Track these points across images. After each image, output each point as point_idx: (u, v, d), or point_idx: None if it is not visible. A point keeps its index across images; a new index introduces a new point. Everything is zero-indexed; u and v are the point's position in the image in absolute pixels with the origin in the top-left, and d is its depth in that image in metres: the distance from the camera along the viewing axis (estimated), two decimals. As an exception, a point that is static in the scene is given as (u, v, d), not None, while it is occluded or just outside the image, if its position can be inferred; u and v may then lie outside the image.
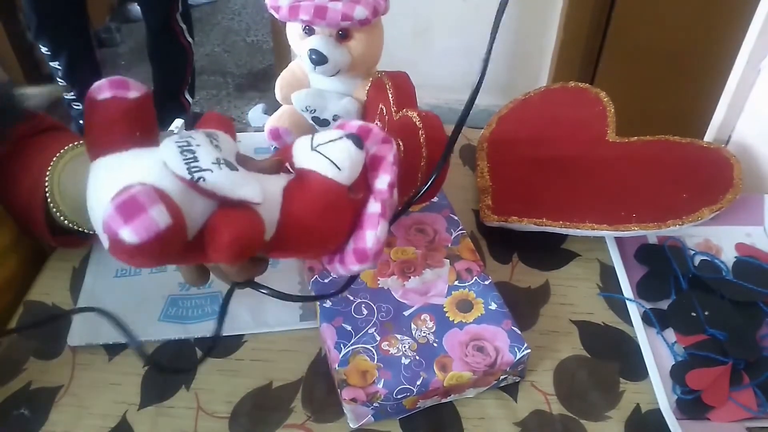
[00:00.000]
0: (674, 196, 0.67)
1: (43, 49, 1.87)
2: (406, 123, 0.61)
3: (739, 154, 0.72)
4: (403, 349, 0.56)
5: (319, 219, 0.40)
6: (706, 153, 0.73)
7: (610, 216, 0.66)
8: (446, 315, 0.59)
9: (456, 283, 0.61)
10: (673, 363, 0.60)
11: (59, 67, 1.89)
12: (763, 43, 0.78)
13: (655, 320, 0.63)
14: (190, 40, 2.02)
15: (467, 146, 0.86)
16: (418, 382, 0.54)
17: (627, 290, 0.66)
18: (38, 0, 1.81)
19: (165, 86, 2.08)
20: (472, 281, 0.61)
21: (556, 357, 0.61)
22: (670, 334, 0.63)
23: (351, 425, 0.56)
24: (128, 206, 0.33)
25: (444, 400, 0.57)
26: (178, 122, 0.80)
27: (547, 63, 2.02)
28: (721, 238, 0.71)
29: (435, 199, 0.69)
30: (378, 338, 0.57)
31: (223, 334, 0.62)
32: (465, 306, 0.59)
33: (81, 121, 1.98)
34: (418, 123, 0.60)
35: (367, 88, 0.71)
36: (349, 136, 0.41)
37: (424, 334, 0.57)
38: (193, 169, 0.35)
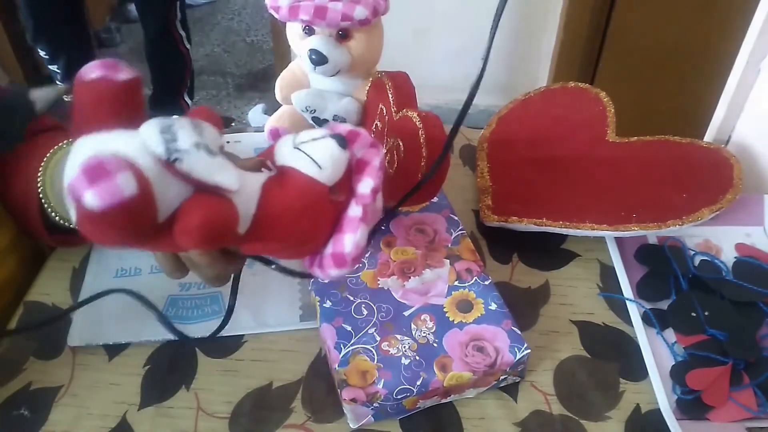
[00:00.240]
0: (674, 196, 0.67)
1: (42, 53, 1.86)
2: (406, 123, 0.61)
3: (739, 154, 0.72)
4: (403, 350, 0.56)
5: (295, 216, 0.39)
6: (706, 153, 0.73)
7: (610, 216, 0.66)
8: (446, 315, 0.59)
9: (456, 283, 0.61)
10: (673, 363, 0.60)
11: (58, 71, 1.88)
12: (763, 43, 0.78)
13: (655, 320, 0.63)
14: (188, 46, 2.01)
15: (467, 146, 0.86)
16: (418, 383, 0.54)
17: (627, 290, 0.66)
18: (35, 3, 1.80)
19: (164, 89, 2.07)
20: (472, 281, 0.61)
21: (556, 357, 0.61)
22: (670, 334, 0.63)
23: (351, 425, 0.56)
24: (95, 170, 0.32)
25: (444, 401, 0.57)
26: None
27: (547, 63, 2.02)
28: (721, 238, 0.71)
29: (435, 200, 0.69)
30: (378, 338, 0.57)
31: (224, 335, 0.62)
32: (465, 306, 0.59)
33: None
34: (418, 123, 0.60)
35: (367, 88, 0.71)
36: (333, 135, 0.40)
37: (424, 335, 0.57)
38: (171, 150, 0.35)
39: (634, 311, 0.64)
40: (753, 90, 0.82)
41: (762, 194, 0.74)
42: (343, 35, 0.67)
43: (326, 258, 0.41)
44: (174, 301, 0.65)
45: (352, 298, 0.60)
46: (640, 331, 0.62)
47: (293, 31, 0.69)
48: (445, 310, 0.59)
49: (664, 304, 0.65)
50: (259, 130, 0.80)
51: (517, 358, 0.55)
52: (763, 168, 0.79)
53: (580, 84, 0.86)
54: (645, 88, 1.82)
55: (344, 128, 0.42)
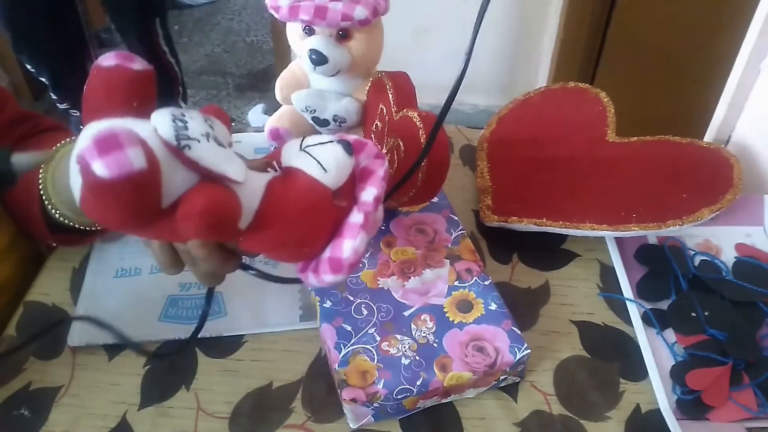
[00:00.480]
0: (674, 196, 0.67)
1: (27, 65, 1.83)
2: (406, 123, 0.61)
3: (739, 154, 0.72)
4: (403, 350, 0.56)
5: (297, 215, 0.39)
6: (706, 153, 0.73)
7: (610, 216, 0.66)
8: (446, 315, 0.59)
9: (456, 283, 0.61)
10: (673, 363, 0.60)
11: (47, 82, 1.86)
12: (763, 43, 0.78)
13: (655, 320, 0.63)
14: (172, 60, 1.96)
15: (467, 146, 0.86)
16: (418, 383, 0.54)
17: (627, 290, 0.66)
18: (11, 12, 1.68)
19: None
20: (472, 281, 0.61)
21: (556, 357, 0.61)
22: (670, 334, 0.63)
23: (351, 425, 0.56)
24: (106, 141, 0.32)
25: (444, 401, 0.57)
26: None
27: (547, 63, 2.02)
28: (721, 239, 0.71)
29: (435, 200, 0.69)
30: (378, 338, 0.57)
31: (224, 335, 0.62)
32: (465, 306, 0.59)
33: (81, 127, 1.97)
34: (418, 123, 0.60)
35: (367, 88, 0.71)
36: (340, 141, 0.41)
37: (424, 335, 0.57)
38: (181, 137, 0.35)
39: (634, 311, 0.64)
40: (753, 90, 0.82)
41: (762, 194, 0.74)
42: (343, 35, 0.67)
43: (323, 263, 0.41)
44: (174, 301, 0.65)
45: (352, 298, 0.60)
46: (640, 331, 0.62)
47: (293, 31, 0.69)
48: (445, 310, 0.59)
49: (664, 304, 0.65)
50: (259, 130, 0.80)
51: (517, 358, 0.55)
52: (763, 168, 0.79)
53: (580, 84, 0.86)
54: (645, 88, 1.82)
55: (352, 137, 0.43)
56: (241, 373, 0.60)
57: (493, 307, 0.59)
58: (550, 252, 0.72)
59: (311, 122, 0.75)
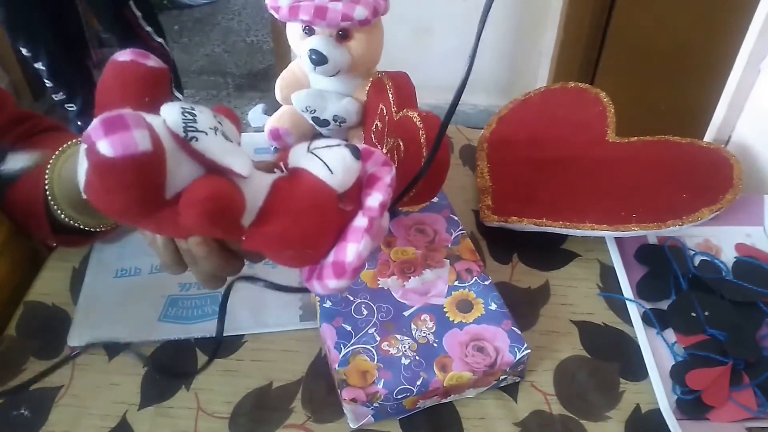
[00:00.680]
0: (674, 196, 0.67)
1: (23, 51, 1.81)
2: (406, 123, 0.61)
3: (739, 154, 0.72)
4: (403, 350, 0.56)
5: (301, 214, 0.39)
6: (706, 153, 0.73)
7: (610, 216, 0.66)
8: (446, 315, 0.59)
9: (456, 283, 0.61)
10: (673, 363, 0.60)
11: (44, 69, 1.84)
12: (763, 43, 0.78)
13: (655, 320, 0.63)
14: (159, 40, 1.91)
15: (467, 146, 0.86)
16: (418, 383, 0.54)
17: (627, 290, 0.66)
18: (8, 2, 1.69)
19: None
20: (472, 281, 0.61)
21: (556, 357, 0.61)
22: (670, 334, 0.63)
23: (351, 425, 0.56)
24: (113, 121, 0.33)
25: (444, 401, 0.57)
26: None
27: (547, 63, 2.02)
28: (721, 239, 0.71)
29: (435, 200, 0.69)
30: (378, 338, 0.57)
31: (224, 335, 0.62)
32: (465, 306, 0.59)
33: (79, 122, 1.95)
34: (418, 123, 0.60)
35: (368, 88, 0.71)
36: (348, 145, 0.41)
37: (424, 335, 0.57)
38: (189, 128, 0.36)
39: (634, 311, 0.64)
40: (753, 90, 0.82)
41: (762, 194, 0.74)
42: (343, 35, 0.67)
43: (326, 268, 0.40)
44: (174, 301, 0.65)
45: (352, 298, 0.60)
46: (640, 331, 0.62)
47: (293, 31, 0.69)
48: (445, 310, 0.59)
49: (664, 304, 0.65)
50: (259, 130, 0.80)
51: (517, 358, 0.55)
52: (763, 168, 0.79)
53: (580, 84, 0.86)
54: (645, 88, 1.82)
55: (360, 145, 0.43)
56: (241, 373, 0.60)
57: (493, 307, 0.59)
58: (550, 252, 0.72)
59: (311, 122, 0.75)
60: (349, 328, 0.58)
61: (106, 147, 0.32)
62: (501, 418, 0.57)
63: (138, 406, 0.57)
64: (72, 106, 1.93)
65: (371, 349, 0.56)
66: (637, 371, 0.60)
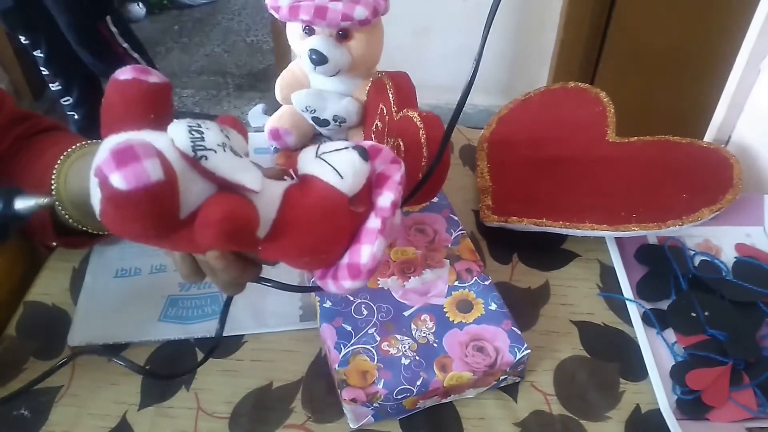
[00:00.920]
0: (674, 196, 0.67)
1: (22, 39, 1.80)
2: (406, 123, 0.61)
3: (739, 154, 0.72)
4: (403, 350, 0.56)
5: (314, 223, 0.39)
6: (706, 153, 0.73)
7: (610, 216, 0.66)
8: (446, 315, 0.59)
9: (456, 283, 0.61)
10: (673, 363, 0.60)
11: (41, 56, 1.82)
12: (763, 43, 0.78)
13: (655, 320, 0.63)
14: (135, 55, 1.87)
15: (467, 146, 0.86)
16: (418, 383, 0.54)
17: (627, 290, 0.66)
18: None
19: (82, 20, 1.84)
20: (472, 281, 0.61)
21: (556, 357, 0.61)
22: (670, 334, 0.63)
23: (351, 425, 0.56)
24: (123, 153, 0.33)
25: (444, 401, 0.57)
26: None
27: (547, 63, 2.02)
28: (721, 239, 0.71)
29: (435, 200, 0.69)
30: (378, 338, 0.57)
31: (224, 335, 0.62)
32: (465, 306, 0.59)
33: (75, 116, 1.94)
34: (418, 123, 0.60)
35: (368, 88, 0.71)
36: (356, 147, 0.41)
37: (424, 335, 0.57)
38: (198, 148, 0.36)
39: (634, 311, 0.64)
40: (753, 90, 0.82)
41: (762, 194, 0.74)
42: (343, 35, 0.67)
43: (342, 269, 0.41)
44: (174, 301, 0.65)
45: (352, 298, 0.60)
46: (640, 331, 0.62)
47: (293, 31, 0.69)
48: (445, 310, 0.59)
49: (664, 304, 0.65)
50: (259, 130, 0.80)
51: (517, 358, 0.55)
52: (763, 168, 0.79)
53: (580, 84, 0.86)
54: (645, 88, 1.82)
55: (366, 143, 0.43)
56: (241, 373, 0.60)
57: (493, 307, 0.59)
58: (550, 252, 0.72)
59: (311, 122, 0.75)
60: (349, 328, 0.58)
61: (119, 180, 0.32)
62: (501, 418, 0.57)
63: (138, 406, 0.57)
64: (68, 99, 1.92)
65: (371, 349, 0.56)
66: (637, 371, 0.60)
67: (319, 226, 0.39)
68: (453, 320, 0.58)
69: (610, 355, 0.62)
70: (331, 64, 0.67)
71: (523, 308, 0.65)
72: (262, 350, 0.62)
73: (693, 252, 0.70)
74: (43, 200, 0.42)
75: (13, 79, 2.28)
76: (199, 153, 0.36)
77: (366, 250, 0.40)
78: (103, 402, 0.58)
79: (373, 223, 0.41)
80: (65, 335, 0.62)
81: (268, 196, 0.39)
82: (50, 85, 1.90)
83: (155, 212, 0.34)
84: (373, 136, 0.69)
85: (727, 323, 0.61)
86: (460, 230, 0.67)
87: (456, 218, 0.68)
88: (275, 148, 0.79)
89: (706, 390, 0.56)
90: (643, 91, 1.79)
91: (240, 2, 2.97)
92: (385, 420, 0.56)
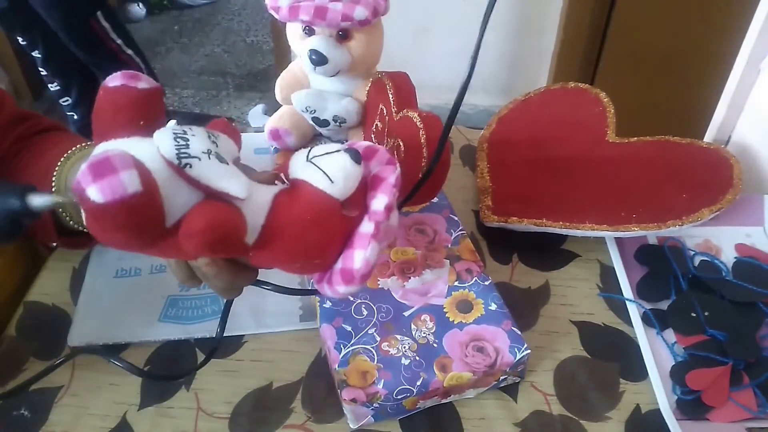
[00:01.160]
0: (674, 196, 0.67)
1: (19, 39, 1.79)
2: (406, 123, 0.61)
3: (739, 154, 0.72)
4: (403, 350, 0.56)
5: (304, 229, 0.39)
6: (706, 153, 0.73)
7: (610, 216, 0.66)
8: (446, 315, 0.59)
9: (456, 283, 0.61)
10: (673, 363, 0.60)
11: (39, 56, 1.82)
12: (763, 43, 0.78)
13: (655, 321, 0.63)
14: (129, 51, 1.87)
15: (467, 146, 0.86)
16: (418, 383, 0.54)
17: (627, 291, 0.66)
18: None
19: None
20: (472, 282, 0.61)
21: (556, 357, 0.61)
22: (670, 334, 0.63)
23: (351, 426, 0.56)
24: (100, 166, 0.33)
25: (444, 401, 0.57)
26: (171, 123, 0.80)
27: (547, 63, 2.02)
28: (721, 239, 0.71)
29: (435, 200, 0.69)
30: (378, 339, 0.57)
31: (224, 335, 0.62)
32: (465, 306, 0.59)
33: (75, 116, 1.94)
34: (418, 123, 0.60)
35: (368, 88, 0.71)
36: (348, 150, 0.40)
37: (424, 335, 0.57)
38: (182, 155, 0.35)
39: (634, 311, 0.64)
40: (753, 90, 0.82)
41: (762, 194, 0.74)
42: (343, 35, 0.67)
43: (335, 274, 0.40)
44: (174, 301, 0.65)
45: (352, 298, 0.60)
46: (640, 332, 0.62)
47: (293, 32, 0.69)
48: (445, 310, 0.59)
49: (664, 305, 0.65)
50: (259, 130, 0.80)
51: (517, 358, 0.55)
52: (763, 168, 0.79)
53: (580, 84, 0.86)
54: (645, 88, 1.82)
55: (362, 144, 0.42)
56: (241, 373, 0.60)
57: (493, 307, 0.59)
58: (550, 252, 0.72)
59: (311, 122, 0.75)
60: (349, 329, 0.58)
61: (95, 193, 0.32)
62: (501, 418, 0.57)
63: (138, 406, 0.57)
64: (67, 100, 1.91)
65: (371, 349, 0.56)
66: (637, 371, 0.60)
67: (309, 232, 0.39)
68: (453, 320, 0.58)
69: (610, 355, 0.62)
70: (331, 65, 0.67)
71: (523, 308, 0.65)
72: (262, 350, 0.62)
73: (693, 252, 0.70)
74: (59, 198, 0.42)
75: (13, 79, 2.28)
76: (184, 161, 0.35)
77: (359, 255, 0.39)
78: (103, 402, 0.58)
79: (367, 227, 0.40)
80: (65, 335, 0.62)
81: (257, 203, 0.38)
82: (49, 85, 1.90)
83: (134, 223, 0.34)
84: (373, 136, 0.69)
85: (727, 323, 0.61)
86: (460, 230, 0.67)
87: (456, 218, 0.68)
88: (275, 148, 0.79)
89: (706, 390, 0.56)
90: (643, 91, 1.79)
91: (240, 2, 2.97)
92: (385, 420, 0.56)
